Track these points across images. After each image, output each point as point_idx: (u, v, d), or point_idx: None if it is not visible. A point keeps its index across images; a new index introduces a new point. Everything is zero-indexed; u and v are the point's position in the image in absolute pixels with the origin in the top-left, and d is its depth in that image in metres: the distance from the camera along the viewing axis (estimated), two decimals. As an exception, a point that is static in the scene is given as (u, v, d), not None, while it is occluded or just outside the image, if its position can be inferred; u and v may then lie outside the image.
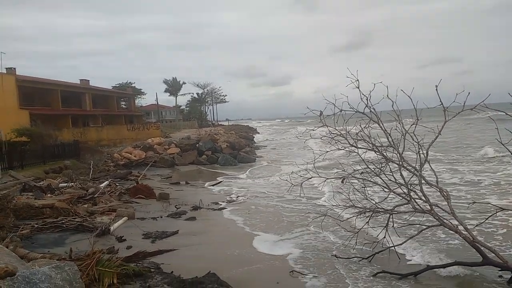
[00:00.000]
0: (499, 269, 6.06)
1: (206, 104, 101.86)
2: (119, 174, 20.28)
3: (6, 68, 39.06)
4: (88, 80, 54.14)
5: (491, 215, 7.09)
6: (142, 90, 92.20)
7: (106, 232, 8.84)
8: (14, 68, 39.48)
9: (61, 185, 15.46)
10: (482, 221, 7.30)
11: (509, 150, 6.14)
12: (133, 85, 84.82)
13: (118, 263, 5.94)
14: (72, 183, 15.89)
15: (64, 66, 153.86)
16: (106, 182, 16.48)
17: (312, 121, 7.85)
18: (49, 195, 13.11)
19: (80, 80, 53.54)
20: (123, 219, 10.25)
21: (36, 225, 9.07)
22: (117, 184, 16.72)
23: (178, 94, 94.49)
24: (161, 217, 11.12)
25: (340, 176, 7.82)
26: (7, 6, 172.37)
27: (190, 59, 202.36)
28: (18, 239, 7.89)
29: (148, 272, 6.16)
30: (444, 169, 17.67)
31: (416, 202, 6.76)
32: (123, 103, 70.94)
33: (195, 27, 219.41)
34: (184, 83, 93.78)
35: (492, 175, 15.74)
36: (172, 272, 6.25)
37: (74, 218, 9.77)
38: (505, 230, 8.55)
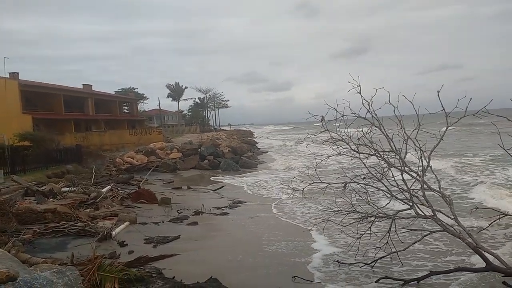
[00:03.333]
0: (502, 275, 6.02)
1: (208, 109, 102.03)
2: (121, 179, 20.31)
3: (9, 73, 39.32)
4: (91, 85, 54.36)
5: (494, 221, 7.06)
6: (144, 95, 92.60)
7: (108, 237, 8.84)
8: (17, 73, 39.71)
9: (63, 189, 15.48)
10: (485, 226, 7.26)
11: (511, 155, 6.12)
12: (135, 90, 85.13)
13: (119, 268, 5.92)
14: (74, 188, 15.90)
15: (67, 70, 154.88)
16: (108, 187, 16.49)
17: (314, 126, 7.86)
18: (51, 199, 13.13)
19: (83, 85, 53.78)
20: (125, 224, 10.25)
21: (38, 230, 9.08)
22: (119, 188, 16.73)
23: (181, 99, 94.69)
24: (163, 222, 11.12)
25: (342, 182, 7.80)
26: (11, 11, 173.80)
27: (192, 64, 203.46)
28: (20, 243, 7.89)
29: (149, 277, 6.14)
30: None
31: (418, 208, 6.73)
32: (125, 108, 71.15)
33: (198, 33, 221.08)
34: (186, 88, 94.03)
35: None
36: (174, 277, 6.23)
37: (76, 223, 9.77)
38: (508, 236, 8.50)
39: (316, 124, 7.51)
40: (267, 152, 41.60)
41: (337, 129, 7.33)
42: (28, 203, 11.92)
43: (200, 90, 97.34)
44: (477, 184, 14.39)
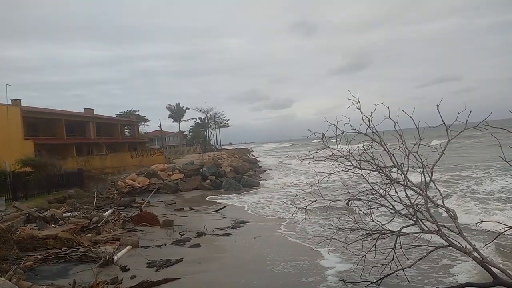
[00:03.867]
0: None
1: (209, 128, 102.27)
2: (123, 202, 20.21)
3: (11, 100, 39.66)
4: (92, 109, 54.75)
5: (500, 234, 6.97)
6: (145, 117, 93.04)
7: (109, 262, 8.74)
8: (19, 100, 40.04)
9: (65, 214, 15.39)
10: (491, 240, 7.16)
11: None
12: (137, 112, 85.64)
13: (122, 294, 5.84)
14: (76, 213, 15.81)
15: (70, 95, 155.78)
16: (110, 211, 16.40)
17: (312, 143, 7.84)
18: (52, 225, 13.05)
19: (84, 109, 54.17)
20: (127, 248, 10.15)
21: (39, 257, 8.98)
22: (121, 212, 16.63)
23: (182, 119, 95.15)
24: (165, 244, 11.00)
25: (345, 198, 7.74)
26: (12, 39, 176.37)
27: (193, 85, 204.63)
28: (22, 271, 7.81)
29: (152, 302, 6.05)
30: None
31: (423, 223, 6.66)
32: (127, 130, 71.43)
33: (198, 54, 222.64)
34: (187, 108, 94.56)
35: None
36: (177, 301, 6.14)
37: (78, 249, 9.68)
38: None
39: (315, 141, 7.51)
40: (268, 170, 41.53)
41: (338, 145, 7.31)
42: (30, 229, 11.84)
43: (201, 110, 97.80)
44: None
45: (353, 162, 7.26)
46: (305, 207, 7.68)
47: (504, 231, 6.76)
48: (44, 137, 41.87)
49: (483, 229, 10.11)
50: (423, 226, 6.62)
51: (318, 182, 7.52)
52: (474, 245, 6.33)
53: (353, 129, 7.09)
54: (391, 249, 7.14)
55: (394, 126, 6.96)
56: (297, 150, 72.00)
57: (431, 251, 6.84)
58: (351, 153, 7.31)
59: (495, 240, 7.19)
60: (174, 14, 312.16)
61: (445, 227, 6.57)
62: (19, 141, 35.75)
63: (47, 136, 42.59)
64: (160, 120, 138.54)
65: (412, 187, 6.88)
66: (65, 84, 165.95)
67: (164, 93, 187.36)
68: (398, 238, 7.04)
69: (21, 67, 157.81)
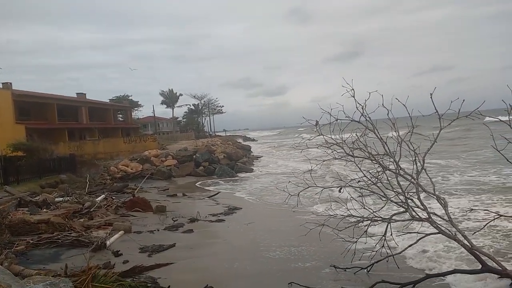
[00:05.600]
0: (498, 276, 6.01)
1: (203, 115, 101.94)
2: (116, 187, 20.19)
3: (2, 83, 39.10)
4: (85, 94, 54.29)
5: (489, 222, 7.07)
6: (139, 103, 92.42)
7: (102, 247, 8.75)
8: (10, 83, 39.51)
9: (57, 199, 15.34)
10: (480, 228, 7.27)
11: (505, 158, 6.15)
12: (130, 97, 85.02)
13: (114, 278, 5.86)
14: (68, 197, 15.77)
15: (64, 79, 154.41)
16: (103, 196, 16.38)
17: (309, 131, 7.85)
18: (44, 210, 12.99)
19: (77, 93, 53.70)
20: (119, 233, 10.16)
21: (31, 241, 8.97)
22: (114, 197, 16.61)
23: (175, 105, 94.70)
24: (158, 230, 11.03)
25: (337, 185, 7.79)
26: (5, 20, 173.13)
27: (187, 70, 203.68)
28: (13, 255, 7.80)
29: (145, 286, 6.09)
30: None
31: (413, 210, 6.72)
32: (119, 116, 70.95)
33: (193, 39, 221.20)
34: (181, 94, 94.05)
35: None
36: (170, 286, 6.18)
37: (70, 233, 9.68)
38: (503, 237, 8.51)
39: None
40: (261, 157, 41.60)
41: (331, 133, 7.31)
42: (21, 214, 11.79)
43: (194, 96, 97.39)
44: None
45: (346, 150, 7.28)
46: (297, 194, 7.72)
47: (494, 219, 6.87)
48: (35, 121, 41.47)
49: (471, 217, 10.24)
50: (413, 213, 6.70)
51: (311, 169, 7.55)
52: (464, 232, 6.42)
53: (346, 117, 7.10)
54: (381, 236, 7.22)
55: (388, 114, 6.97)
56: (292, 137, 72.08)
57: (421, 238, 6.94)
58: (344, 141, 7.32)
59: (484, 228, 7.30)
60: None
61: (435, 214, 6.65)
62: (10, 125, 35.40)
63: (38, 121, 42.19)
64: (153, 105, 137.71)
65: (404, 175, 6.93)
66: (58, 67, 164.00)
67: (159, 78, 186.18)
68: (389, 225, 7.12)
69: (12, 49, 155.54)
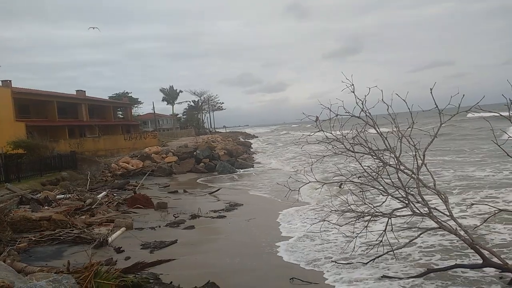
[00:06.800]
0: (499, 270, 6.04)
1: (203, 111, 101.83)
2: (117, 184, 20.20)
3: (1, 81, 39.10)
4: (84, 91, 54.23)
5: (490, 217, 7.08)
6: (139, 100, 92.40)
7: (104, 244, 8.78)
8: (10, 81, 39.54)
9: (58, 196, 15.38)
10: (481, 222, 7.29)
11: (505, 151, 6.16)
12: (129, 94, 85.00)
13: (116, 275, 5.88)
14: (70, 195, 15.81)
15: (62, 77, 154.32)
16: (104, 193, 16.42)
17: (309, 126, 7.86)
18: (46, 207, 13.03)
19: (76, 91, 53.64)
20: (121, 229, 10.19)
21: (33, 238, 9.01)
22: (115, 194, 16.65)
23: (175, 102, 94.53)
24: (160, 226, 11.06)
25: (338, 181, 7.81)
26: (2, 19, 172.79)
27: (186, 67, 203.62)
28: (16, 252, 7.84)
29: (147, 283, 6.10)
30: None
31: (414, 205, 6.74)
32: (119, 113, 70.94)
33: (191, 36, 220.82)
34: (180, 91, 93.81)
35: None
36: (172, 282, 6.20)
37: (72, 230, 9.71)
38: (504, 231, 8.53)
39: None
40: (261, 153, 41.60)
41: (331, 128, 7.33)
42: (23, 211, 11.82)
43: (194, 93, 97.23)
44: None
45: (346, 145, 7.29)
46: (298, 189, 7.74)
47: (495, 214, 6.89)
48: (35, 118, 41.50)
49: (472, 212, 10.26)
50: (414, 208, 6.72)
51: (312, 164, 7.56)
52: (464, 227, 6.45)
53: (346, 112, 7.10)
54: (382, 231, 7.25)
55: (387, 109, 6.97)
56: (292, 133, 72.08)
57: (422, 233, 6.96)
58: (345, 136, 7.33)
59: (484, 223, 7.32)
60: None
61: (436, 209, 6.67)
62: (11, 122, 35.43)
63: (38, 118, 42.23)
64: (153, 102, 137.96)
65: (404, 170, 6.94)
66: (57, 65, 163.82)
67: (158, 76, 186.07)
68: (390, 220, 7.14)
69: (11, 48, 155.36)
